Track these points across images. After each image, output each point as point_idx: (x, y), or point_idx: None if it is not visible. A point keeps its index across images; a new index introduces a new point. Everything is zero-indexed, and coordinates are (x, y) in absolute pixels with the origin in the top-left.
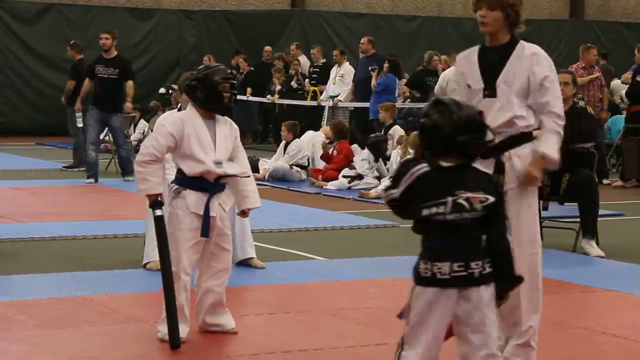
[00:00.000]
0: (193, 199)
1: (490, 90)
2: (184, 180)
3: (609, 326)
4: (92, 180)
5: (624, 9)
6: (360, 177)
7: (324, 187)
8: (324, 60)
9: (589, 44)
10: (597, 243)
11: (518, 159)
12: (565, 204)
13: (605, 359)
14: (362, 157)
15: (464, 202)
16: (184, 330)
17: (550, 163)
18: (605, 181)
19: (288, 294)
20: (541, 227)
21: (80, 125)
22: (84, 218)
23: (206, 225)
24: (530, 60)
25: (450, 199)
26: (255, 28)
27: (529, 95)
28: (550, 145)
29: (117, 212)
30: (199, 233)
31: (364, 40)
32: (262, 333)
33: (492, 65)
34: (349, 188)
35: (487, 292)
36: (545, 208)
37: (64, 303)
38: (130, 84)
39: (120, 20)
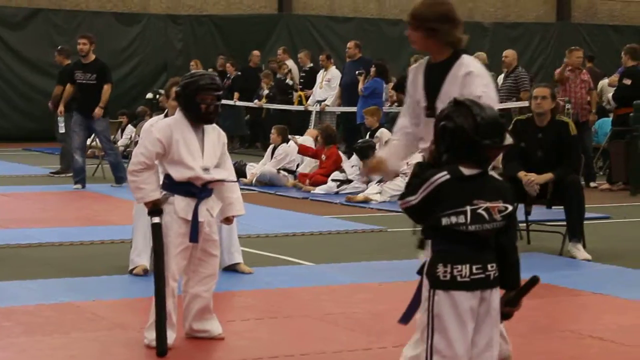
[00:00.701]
0: (181, 204)
1: (430, 110)
2: (171, 186)
3: (596, 329)
4: (79, 186)
5: (610, 12)
6: (349, 181)
7: (312, 191)
8: (311, 64)
9: (573, 47)
10: (584, 246)
11: None
12: (552, 207)
13: None
14: (352, 163)
15: (484, 213)
16: (171, 337)
17: None
18: (592, 184)
19: (275, 299)
20: (528, 230)
21: (62, 131)
22: (71, 224)
23: (195, 230)
24: (463, 82)
25: (469, 208)
26: (242, 32)
27: None
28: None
29: (104, 218)
30: (187, 239)
31: (350, 44)
32: (248, 338)
33: (433, 83)
34: (337, 192)
35: (497, 295)
36: (529, 212)
37: (51, 309)
38: (106, 88)
39: (107, 25)
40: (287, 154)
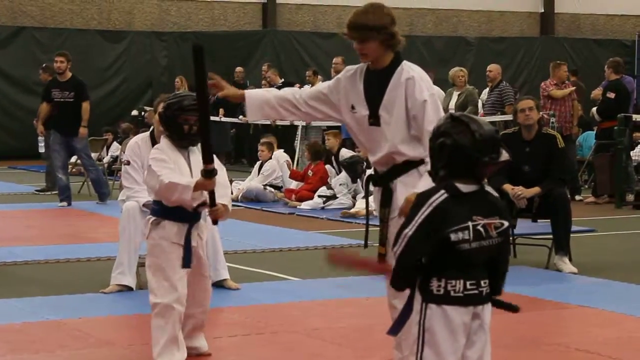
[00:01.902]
0: (174, 229)
1: (374, 118)
2: (162, 211)
3: (583, 342)
4: (65, 203)
5: (593, 26)
6: (335, 197)
7: (298, 207)
8: (282, 80)
9: (558, 61)
10: (570, 259)
11: (403, 186)
12: (537, 220)
13: None
14: (339, 181)
15: (481, 229)
16: (183, 357)
17: None
18: (577, 197)
19: (262, 314)
20: (514, 244)
21: (42, 150)
22: (56, 241)
23: (188, 255)
24: (406, 86)
25: (470, 224)
26: (227, 49)
27: (411, 125)
28: (426, 184)
29: (89, 235)
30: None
31: (338, 59)
32: (236, 354)
33: (375, 91)
34: (323, 208)
35: (489, 310)
36: (514, 226)
37: (37, 327)
38: (85, 106)
39: (91, 42)
40: (274, 170)
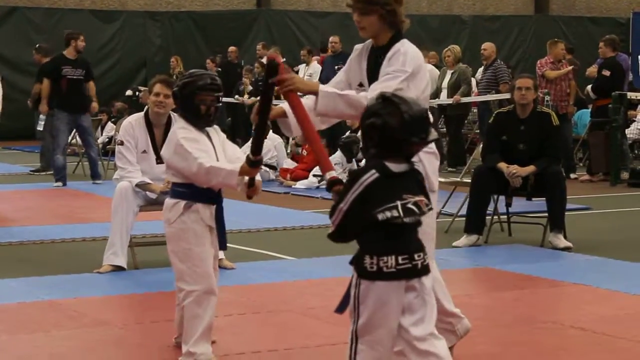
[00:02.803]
0: (207, 211)
1: None
2: (192, 194)
3: (578, 320)
4: (60, 183)
5: (588, 4)
6: None
7: (293, 186)
8: (284, 59)
9: (556, 39)
10: (565, 237)
11: None
12: (532, 199)
13: (574, 353)
14: (334, 160)
15: (413, 207)
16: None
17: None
18: (572, 175)
19: (257, 294)
20: (509, 222)
21: (40, 128)
22: (51, 222)
23: (223, 237)
24: (388, 61)
25: (399, 203)
26: (221, 28)
27: None
28: None
29: (84, 215)
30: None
31: (335, 39)
32: (231, 334)
33: (373, 68)
34: (318, 187)
35: (428, 281)
36: (509, 204)
37: (33, 307)
38: (92, 84)
39: (85, 22)
40: (269, 150)
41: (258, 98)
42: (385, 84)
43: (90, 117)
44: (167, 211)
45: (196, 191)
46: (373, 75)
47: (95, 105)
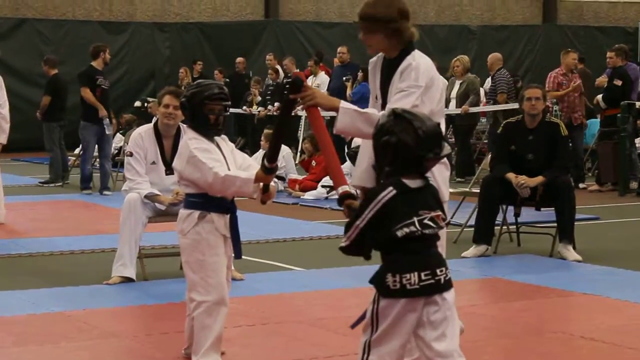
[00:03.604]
0: (222, 221)
1: (385, 106)
2: (206, 203)
3: (587, 330)
4: (89, 191)
5: (596, 13)
6: None
7: (301, 197)
8: (297, 70)
9: (568, 49)
10: (574, 247)
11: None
12: (541, 209)
13: None
14: (344, 170)
15: (430, 222)
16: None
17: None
18: (581, 185)
19: (266, 305)
20: (518, 232)
21: (109, 132)
22: (60, 233)
23: (238, 245)
24: (400, 76)
25: (416, 219)
26: (229, 39)
27: None
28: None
29: (93, 226)
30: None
31: (343, 49)
32: (240, 345)
33: (386, 80)
34: (327, 198)
35: (450, 296)
36: (518, 214)
37: (42, 319)
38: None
39: (93, 34)
40: (278, 160)
41: (268, 109)
42: (401, 102)
43: (111, 127)
44: (181, 222)
45: (210, 201)
46: (386, 88)
47: (114, 122)
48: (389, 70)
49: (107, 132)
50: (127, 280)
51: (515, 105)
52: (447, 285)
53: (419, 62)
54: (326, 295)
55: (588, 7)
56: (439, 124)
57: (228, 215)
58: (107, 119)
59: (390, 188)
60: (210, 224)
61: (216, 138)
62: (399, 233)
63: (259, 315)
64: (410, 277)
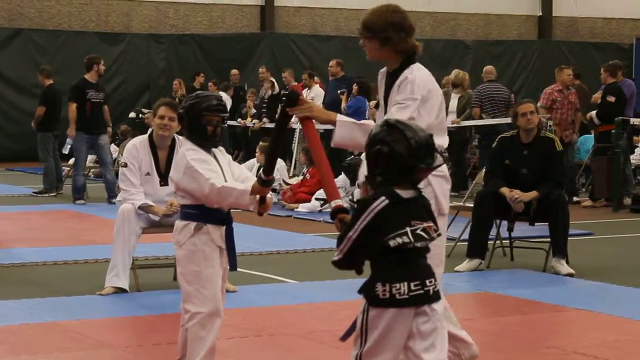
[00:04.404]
0: (217, 232)
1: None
2: (202, 215)
3: (580, 345)
4: (82, 201)
5: (591, 29)
6: None
7: (295, 209)
8: (294, 84)
9: (563, 65)
10: (567, 262)
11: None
12: (535, 224)
13: None
14: (338, 183)
15: (422, 233)
16: None
17: None
18: (574, 198)
19: (260, 317)
20: (511, 247)
21: (66, 152)
22: (54, 243)
23: (234, 257)
24: (397, 89)
25: (408, 229)
26: (225, 51)
27: None
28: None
29: (87, 237)
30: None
31: (332, 62)
32: (233, 357)
33: (387, 92)
34: (320, 211)
35: (439, 307)
36: (511, 229)
37: (35, 329)
38: (107, 108)
39: (89, 44)
40: None
41: (263, 122)
42: (397, 115)
43: (107, 137)
44: (177, 233)
45: (206, 212)
46: (386, 100)
47: (109, 130)
48: (389, 82)
49: (64, 152)
50: (120, 290)
51: (509, 120)
52: (436, 296)
53: (416, 74)
54: (319, 307)
55: (583, 23)
56: (431, 135)
57: (224, 227)
58: (69, 139)
59: (383, 198)
60: (206, 236)
61: (213, 150)
62: (392, 243)
63: (252, 327)
64: (400, 286)
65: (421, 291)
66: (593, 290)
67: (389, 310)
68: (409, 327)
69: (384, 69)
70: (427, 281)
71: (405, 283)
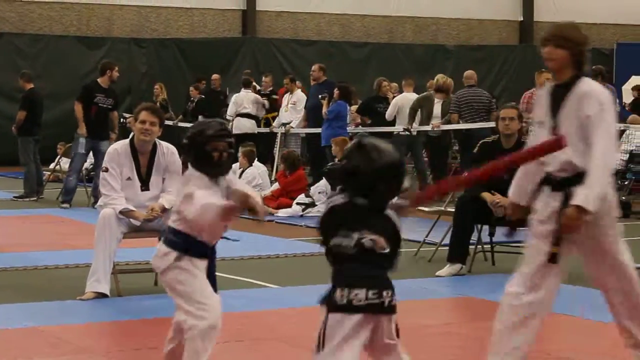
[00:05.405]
0: (198, 262)
1: (555, 129)
2: (185, 245)
3: (565, 350)
4: (67, 205)
5: None
6: (313, 204)
7: (275, 214)
8: (271, 88)
9: (542, 69)
10: None
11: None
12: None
13: None
14: (318, 189)
15: (369, 243)
16: None
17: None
18: None
19: (241, 322)
20: (492, 252)
21: (82, 150)
22: (35, 248)
23: (214, 284)
24: (580, 100)
25: (355, 235)
26: (206, 56)
27: (585, 135)
28: (582, 196)
29: (68, 242)
30: None
31: (315, 67)
32: None
33: (557, 102)
34: (302, 216)
35: (391, 322)
36: (492, 234)
37: (15, 334)
38: (115, 114)
39: (70, 49)
40: (255, 177)
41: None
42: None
43: (108, 143)
44: (157, 258)
45: (190, 243)
46: (556, 108)
47: (114, 136)
48: (561, 93)
49: (79, 151)
50: (101, 295)
51: (492, 124)
52: (391, 309)
53: (595, 89)
54: (301, 312)
55: None
56: (399, 159)
57: (206, 261)
58: (82, 139)
59: (343, 195)
60: (187, 260)
61: (221, 178)
62: (333, 241)
63: (234, 332)
64: (359, 293)
65: (377, 300)
66: (577, 295)
67: (346, 317)
68: (367, 334)
69: (543, 89)
70: (385, 292)
71: (364, 290)
